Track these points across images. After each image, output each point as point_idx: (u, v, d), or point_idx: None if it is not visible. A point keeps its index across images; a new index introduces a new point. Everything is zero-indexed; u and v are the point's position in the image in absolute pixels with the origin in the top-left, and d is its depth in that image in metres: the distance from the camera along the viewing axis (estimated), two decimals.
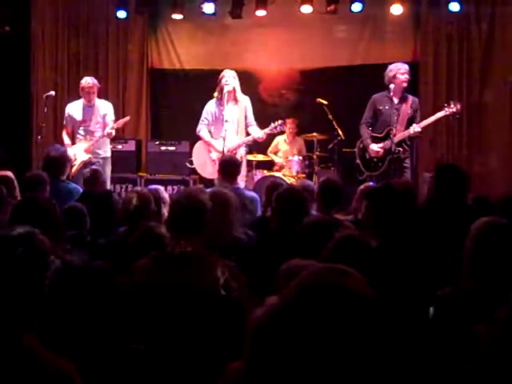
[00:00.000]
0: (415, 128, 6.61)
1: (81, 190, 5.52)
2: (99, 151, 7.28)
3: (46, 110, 7.78)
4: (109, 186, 7.30)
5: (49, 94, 7.66)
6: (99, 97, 7.48)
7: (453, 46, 9.10)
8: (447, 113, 6.68)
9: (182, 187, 8.09)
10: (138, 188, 5.83)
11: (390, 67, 6.82)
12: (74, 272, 2.43)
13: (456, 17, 8.95)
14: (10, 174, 5.40)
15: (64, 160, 5.76)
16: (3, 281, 1.74)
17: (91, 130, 7.25)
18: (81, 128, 7.28)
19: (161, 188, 5.15)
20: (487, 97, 8.95)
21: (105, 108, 7.37)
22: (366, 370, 1.16)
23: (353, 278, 1.23)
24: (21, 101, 9.56)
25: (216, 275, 2.59)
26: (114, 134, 7.34)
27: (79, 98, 7.38)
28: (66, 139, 7.33)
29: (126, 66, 9.82)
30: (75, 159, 7.16)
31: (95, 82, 7.28)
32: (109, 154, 7.43)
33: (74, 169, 7.06)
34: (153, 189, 4.80)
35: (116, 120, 7.40)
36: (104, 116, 7.30)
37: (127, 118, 7.79)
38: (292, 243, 3.42)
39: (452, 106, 6.67)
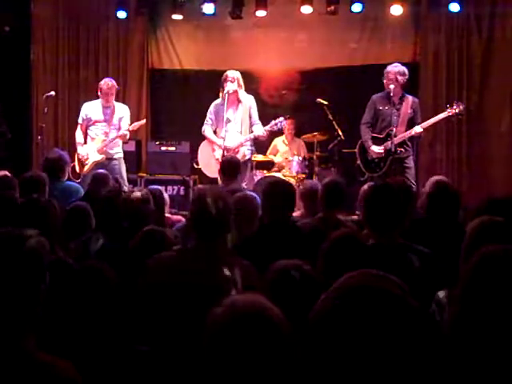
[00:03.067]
0: (417, 129, 6.61)
1: (82, 190, 5.54)
2: (111, 151, 7.27)
3: (46, 110, 7.79)
4: (126, 185, 7.28)
5: (49, 94, 7.67)
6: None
7: (453, 46, 9.10)
8: (450, 113, 6.68)
9: (182, 187, 8.10)
10: (138, 188, 5.82)
11: (389, 69, 6.81)
12: (73, 273, 2.43)
13: (456, 17, 8.95)
14: (7, 174, 5.41)
15: (63, 160, 5.76)
16: (1, 282, 1.73)
17: (106, 131, 7.25)
18: (95, 127, 7.27)
19: (160, 188, 5.14)
20: (488, 96, 8.95)
21: (122, 111, 7.36)
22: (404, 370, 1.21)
23: (394, 283, 1.28)
24: (21, 101, 9.56)
25: (235, 274, 2.61)
26: (128, 136, 7.35)
27: (78, 98, 7.39)
28: (80, 137, 7.31)
29: (126, 67, 9.81)
30: (87, 158, 7.18)
31: (114, 83, 7.29)
32: (122, 155, 7.43)
33: (86, 168, 7.10)
34: (155, 189, 4.80)
35: (131, 123, 7.41)
36: (120, 119, 7.29)
37: (143, 121, 7.78)
38: (284, 237, 3.44)
39: (455, 106, 6.68)
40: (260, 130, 6.99)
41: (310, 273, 2.29)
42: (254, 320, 1.35)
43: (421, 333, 1.23)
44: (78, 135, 7.33)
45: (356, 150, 7.04)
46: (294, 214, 4.29)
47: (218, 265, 2.67)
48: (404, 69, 6.79)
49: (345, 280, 1.28)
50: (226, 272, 2.63)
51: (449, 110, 6.69)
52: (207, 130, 7.14)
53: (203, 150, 7.28)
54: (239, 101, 7.03)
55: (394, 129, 6.62)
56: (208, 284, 2.58)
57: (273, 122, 7.06)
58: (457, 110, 6.66)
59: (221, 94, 7.06)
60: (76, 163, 7.28)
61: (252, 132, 7.06)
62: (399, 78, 6.69)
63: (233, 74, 6.99)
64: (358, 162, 6.97)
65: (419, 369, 1.22)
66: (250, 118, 7.06)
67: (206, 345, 1.37)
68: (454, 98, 8.84)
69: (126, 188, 7.00)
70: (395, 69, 6.76)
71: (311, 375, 1.27)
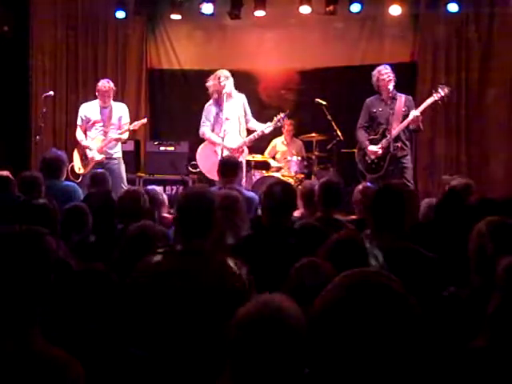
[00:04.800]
0: (414, 113, 6.60)
1: (80, 190, 5.52)
2: (111, 151, 7.27)
3: (44, 110, 7.78)
4: (125, 185, 7.25)
5: (47, 94, 7.67)
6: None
7: (451, 46, 9.12)
8: (436, 98, 6.75)
9: (180, 187, 8.09)
10: (131, 187, 5.81)
11: (373, 73, 6.83)
12: (75, 274, 2.43)
13: (455, 17, 8.96)
14: (8, 173, 5.40)
15: (60, 160, 5.74)
16: (10, 278, 1.75)
17: (105, 131, 7.25)
18: (93, 128, 7.27)
19: (157, 189, 5.13)
20: (486, 96, 8.97)
21: (120, 110, 7.35)
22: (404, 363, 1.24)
23: (395, 280, 1.31)
24: (20, 101, 9.56)
25: (232, 270, 2.59)
26: (126, 136, 7.35)
27: (77, 98, 7.38)
28: (81, 136, 7.29)
29: (124, 67, 9.83)
30: (89, 158, 7.19)
31: (111, 85, 7.28)
32: (121, 154, 7.42)
33: (87, 168, 7.12)
34: (150, 189, 4.80)
35: (131, 122, 7.40)
36: (119, 118, 7.29)
37: (144, 120, 7.76)
38: (283, 239, 3.43)
39: (440, 90, 6.75)
40: (264, 126, 7.04)
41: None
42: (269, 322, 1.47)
43: (417, 328, 1.24)
44: (80, 135, 7.30)
45: (356, 156, 7.00)
46: (294, 214, 4.27)
47: (215, 262, 2.66)
48: (387, 69, 6.81)
49: (344, 277, 1.29)
50: (232, 265, 2.61)
51: (435, 95, 6.76)
52: (207, 131, 7.09)
53: (204, 153, 7.17)
54: (232, 97, 7.04)
55: (389, 127, 6.66)
56: (212, 281, 2.56)
57: (275, 119, 7.10)
58: (442, 93, 6.73)
59: (213, 94, 7.03)
60: (79, 162, 7.28)
61: (249, 130, 7.07)
62: (384, 78, 6.74)
63: (226, 73, 7.00)
64: (360, 167, 6.93)
65: (415, 363, 1.24)
66: (246, 115, 7.09)
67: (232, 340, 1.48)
68: (453, 98, 8.88)
69: (125, 188, 7.01)
70: (378, 72, 6.77)
71: (315, 367, 1.28)
